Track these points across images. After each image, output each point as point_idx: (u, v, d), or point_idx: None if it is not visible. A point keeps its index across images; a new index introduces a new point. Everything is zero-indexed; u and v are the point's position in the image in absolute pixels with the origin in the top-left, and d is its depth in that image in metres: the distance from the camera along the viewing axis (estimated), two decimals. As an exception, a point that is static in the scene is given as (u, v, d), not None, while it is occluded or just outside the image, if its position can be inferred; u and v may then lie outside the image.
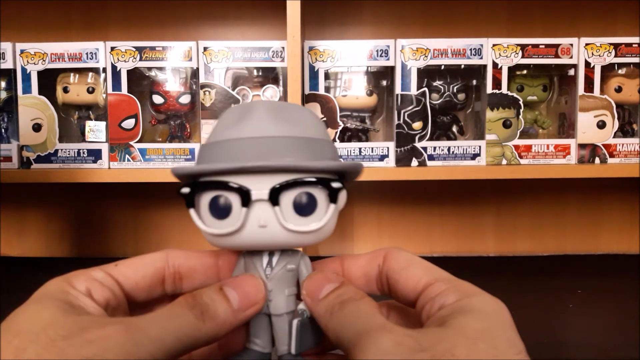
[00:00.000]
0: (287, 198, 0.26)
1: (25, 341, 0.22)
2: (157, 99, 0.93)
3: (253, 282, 0.27)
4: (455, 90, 0.93)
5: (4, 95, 0.92)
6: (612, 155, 0.92)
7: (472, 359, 0.21)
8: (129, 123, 0.91)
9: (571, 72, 0.94)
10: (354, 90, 0.95)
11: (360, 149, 0.91)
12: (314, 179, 0.26)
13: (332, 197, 0.27)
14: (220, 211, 0.26)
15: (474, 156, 0.92)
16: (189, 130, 0.95)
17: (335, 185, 0.26)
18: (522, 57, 0.91)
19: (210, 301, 0.26)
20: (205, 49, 0.90)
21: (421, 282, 0.27)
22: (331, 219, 0.27)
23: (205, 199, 0.27)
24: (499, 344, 0.22)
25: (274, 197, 0.25)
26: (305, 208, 0.26)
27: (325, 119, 0.91)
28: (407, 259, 0.28)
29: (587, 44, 0.91)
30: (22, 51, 0.90)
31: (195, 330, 0.25)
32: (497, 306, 0.25)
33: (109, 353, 0.22)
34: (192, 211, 0.27)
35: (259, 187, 0.25)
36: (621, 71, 0.94)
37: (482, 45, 0.91)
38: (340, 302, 0.26)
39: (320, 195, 0.26)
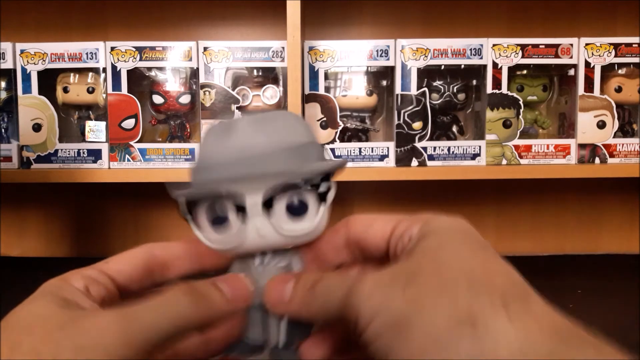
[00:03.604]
0: (280, 203, 0.27)
1: (21, 335, 0.22)
2: (157, 99, 0.93)
3: (239, 280, 0.28)
4: (455, 90, 0.93)
5: (4, 95, 0.92)
6: (612, 155, 0.92)
7: (441, 271, 0.23)
8: (129, 123, 0.91)
9: (571, 72, 0.94)
10: (354, 90, 0.95)
11: (360, 149, 0.91)
12: (301, 183, 0.27)
13: (322, 197, 0.28)
14: (217, 220, 0.28)
15: (474, 156, 0.92)
16: (189, 130, 0.95)
17: (323, 188, 0.28)
18: (522, 57, 0.91)
19: (206, 290, 0.27)
20: (205, 49, 0.90)
21: (387, 229, 0.28)
22: (322, 219, 0.29)
23: (202, 209, 0.29)
24: (462, 251, 0.24)
25: (267, 203, 0.27)
26: (296, 210, 0.28)
27: (325, 119, 0.91)
28: (369, 217, 0.29)
29: (587, 44, 0.91)
30: (22, 51, 0.90)
31: (190, 315, 0.25)
32: (456, 222, 0.26)
33: (105, 341, 0.22)
34: (191, 224, 0.29)
35: (252, 195, 0.27)
36: (621, 71, 0.94)
37: (482, 45, 0.91)
38: (309, 289, 0.26)
39: (310, 197, 0.28)
